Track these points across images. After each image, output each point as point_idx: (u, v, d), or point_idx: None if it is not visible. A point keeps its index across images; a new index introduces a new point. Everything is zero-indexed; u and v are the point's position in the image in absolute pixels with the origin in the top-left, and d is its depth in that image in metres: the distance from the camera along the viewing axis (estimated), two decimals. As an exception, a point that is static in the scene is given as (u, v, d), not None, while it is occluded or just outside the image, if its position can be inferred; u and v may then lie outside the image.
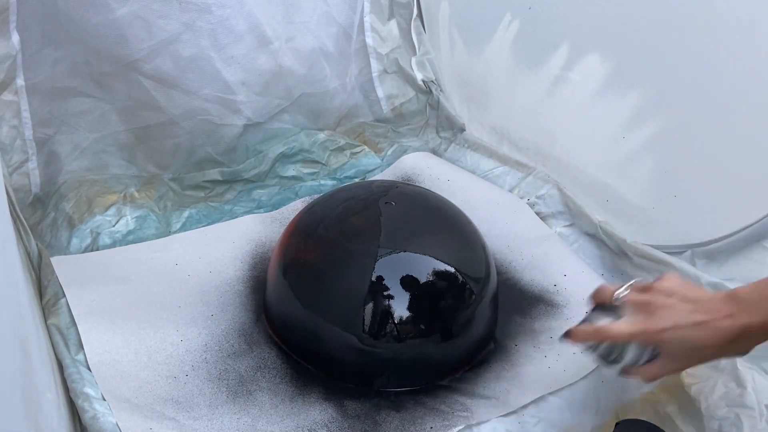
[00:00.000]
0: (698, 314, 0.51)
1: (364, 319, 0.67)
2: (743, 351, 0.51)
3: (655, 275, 0.79)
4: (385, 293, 0.67)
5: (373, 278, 0.67)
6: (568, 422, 0.70)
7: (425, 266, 0.69)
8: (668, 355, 0.54)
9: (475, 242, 0.76)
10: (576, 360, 0.71)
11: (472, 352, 0.73)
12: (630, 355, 0.57)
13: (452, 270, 0.70)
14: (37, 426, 0.51)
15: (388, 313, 0.67)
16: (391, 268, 0.68)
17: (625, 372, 0.58)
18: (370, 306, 0.67)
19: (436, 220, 0.76)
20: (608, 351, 0.58)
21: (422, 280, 0.68)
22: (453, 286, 0.71)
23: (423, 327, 0.69)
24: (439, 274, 0.69)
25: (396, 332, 0.68)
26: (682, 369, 0.60)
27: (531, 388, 0.69)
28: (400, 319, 0.67)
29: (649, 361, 0.56)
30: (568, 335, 0.59)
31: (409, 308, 0.67)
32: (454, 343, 0.71)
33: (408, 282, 0.68)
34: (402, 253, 0.69)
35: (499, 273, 0.81)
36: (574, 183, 0.94)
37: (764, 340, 0.49)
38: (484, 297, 0.73)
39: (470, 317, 0.71)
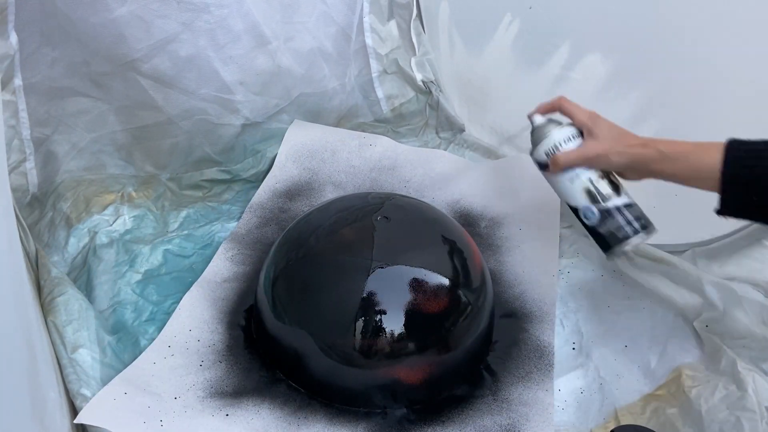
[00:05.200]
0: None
1: (354, 337, 0.66)
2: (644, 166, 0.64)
3: (655, 275, 0.80)
4: (377, 308, 0.66)
5: (364, 293, 0.66)
6: (568, 422, 0.70)
7: (418, 279, 0.68)
8: (592, 137, 0.66)
9: (469, 254, 0.75)
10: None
11: (467, 367, 0.73)
12: (560, 133, 0.68)
13: (446, 283, 0.69)
14: (43, 425, 0.51)
15: (379, 329, 0.66)
16: (383, 282, 0.67)
17: (548, 157, 0.69)
18: (360, 322, 0.66)
19: (430, 233, 0.75)
20: (544, 131, 0.70)
21: (415, 293, 0.67)
22: (447, 299, 0.69)
23: (416, 343, 0.67)
24: (432, 288, 0.68)
25: (388, 349, 0.67)
26: (594, 153, 0.66)
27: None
28: (392, 336, 0.66)
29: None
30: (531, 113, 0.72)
31: (401, 324, 0.66)
32: (446, 360, 0.70)
33: (400, 296, 0.67)
34: (394, 266, 0.68)
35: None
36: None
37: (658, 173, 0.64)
38: (479, 309, 0.72)
39: (466, 330, 0.70)
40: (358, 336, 0.66)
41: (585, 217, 0.69)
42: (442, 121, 1.07)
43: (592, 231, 0.69)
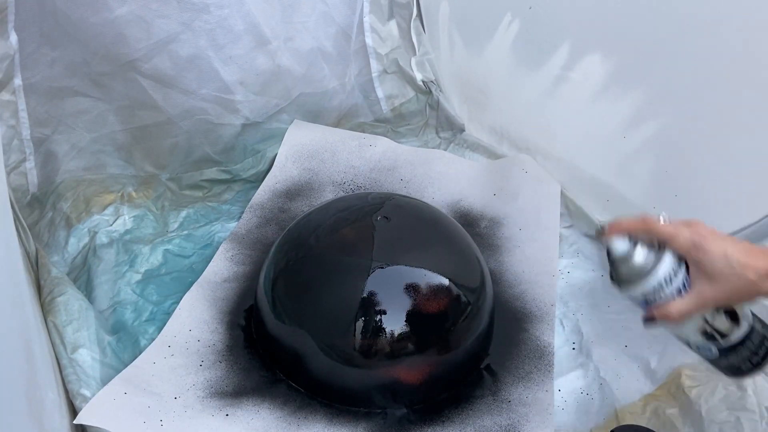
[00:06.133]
0: (744, 243, 0.51)
1: (354, 337, 0.66)
2: None
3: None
4: (377, 308, 0.66)
5: (364, 293, 0.66)
6: (568, 422, 0.70)
7: (418, 280, 0.68)
8: (704, 275, 0.51)
9: (469, 254, 0.75)
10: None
11: (467, 367, 0.73)
12: (662, 270, 0.52)
13: (446, 283, 0.69)
14: (41, 425, 0.51)
15: (379, 329, 0.66)
16: (383, 282, 0.67)
17: (647, 302, 0.54)
18: (360, 322, 0.66)
19: (430, 233, 0.75)
20: (636, 264, 0.53)
21: (415, 294, 0.67)
22: (447, 299, 0.70)
23: (416, 343, 0.67)
24: (432, 288, 0.68)
25: (388, 349, 0.67)
26: (713, 301, 0.52)
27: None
28: (392, 336, 0.66)
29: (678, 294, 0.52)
30: (603, 231, 0.55)
31: (401, 324, 0.66)
32: (446, 360, 0.70)
33: (400, 296, 0.67)
34: (394, 266, 0.68)
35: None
36: (574, 183, 0.93)
37: None
38: (479, 309, 0.72)
39: (466, 330, 0.70)
40: (358, 336, 0.66)
41: (701, 352, 0.58)
42: (442, 121, 1.07)
43: (712, 363, 0.58)
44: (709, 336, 0.55)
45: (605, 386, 0.72)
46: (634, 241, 0.54)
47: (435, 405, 0.69)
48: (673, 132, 0.81)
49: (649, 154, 0.84)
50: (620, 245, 0.54)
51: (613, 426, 0.67)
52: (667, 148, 0.82)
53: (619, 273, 0.56)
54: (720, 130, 0.76)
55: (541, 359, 0.74)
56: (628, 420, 0.69)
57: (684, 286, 0.53)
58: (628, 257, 0.54)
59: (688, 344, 0.58)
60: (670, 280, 0.53)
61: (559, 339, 0.77)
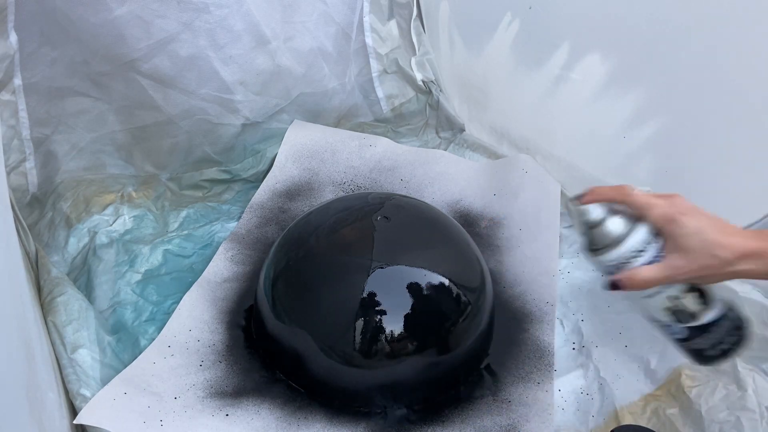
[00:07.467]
0: (720, 221, 0.50)
1: (354, 337, 0.66)
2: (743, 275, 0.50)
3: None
4: (377, 308, 0.66)
5: (364, 293, 0.66)
6: (568, 422, 0.70)
7: (418, 280, 0.68)
8: (677, 248, 0.50)
9: (470, 255, 0.75)
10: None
11: (467, 367, 0.73)
12: (634, 239, 0.52)
13: (446, 283, 0.69)
14: (41, 426, 0.51)
15: (379, 329, 0.66)
16: (383, 282, 0.67)
17: (616, 272, 0.53)
18: (360, 322, 0.66)
19: (430, 233, 0.75)
20: (610, 232, 0.53)
21: (415, 293, 0.67)
22: (447, 299, 0.70)
23: (416, 343, 0.67)
24: (432, 288, 0.68)
25: (389, 349, 0.67)
26: (683, 275, 0.52)
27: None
28: (392, 336, 0.66)
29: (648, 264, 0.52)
30: (581, 197, 0.55)
31: (402, 324, 0.66)
32: (446, 361, 0.70)
33: (400, 296, 0.67)
34: (394, 266, 0.68)
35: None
36: (574, 183, 0.93)
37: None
38: (479, 309, 0.72)
39: (466, 330, 0.70)
40: (358, 336, 0.66)
41: (666, 331, 0.57)
42: (442, 121, 1.07)
43: (678, 344, 0.58)
44: (676, 315, 0.55)
45: (605, 386, 0.72)
46: (610, 210, 0.54)
47: (435, 405, 0.69)
48: (673, 132, 0.81)
49: (649, 154, 0.84)
50: (595, 211, 0.54)
51: (613, 426, 0.67)
52: (667, 148, 0.82)
53: (591, 239, 0.55)
54: (720, 130, 0.76)
55: (541, 359, 0.74)
56: (628, 420, 0.69)
57: (656, 258, 0.52)
58: (601, 224, 0.54)
59: (654, 321, 0.57)
60: (643, 250, 0.52)
61: (559, 339, 0.77)
